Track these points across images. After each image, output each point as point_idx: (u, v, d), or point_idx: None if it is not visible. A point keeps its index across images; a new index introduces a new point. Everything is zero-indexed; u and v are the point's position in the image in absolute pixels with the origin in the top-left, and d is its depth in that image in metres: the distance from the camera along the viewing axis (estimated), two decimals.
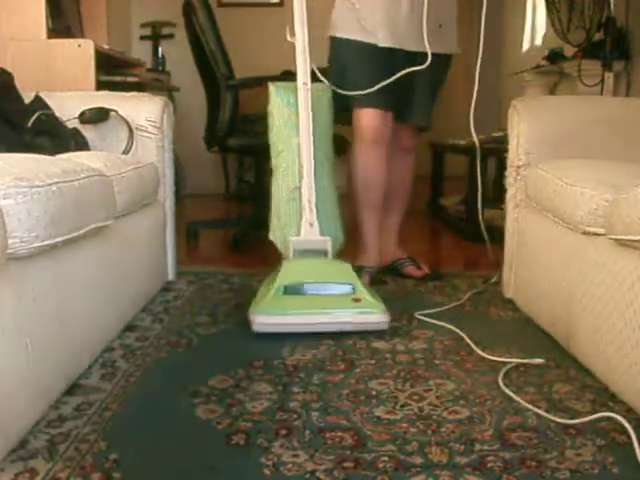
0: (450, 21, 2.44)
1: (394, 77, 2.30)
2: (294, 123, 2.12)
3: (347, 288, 1.93)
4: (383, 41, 2.36)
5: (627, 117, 2.22)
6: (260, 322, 1.86)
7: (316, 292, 1.92)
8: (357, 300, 1.90)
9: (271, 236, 2.17)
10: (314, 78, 2.18)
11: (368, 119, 2.39)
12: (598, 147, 2.09)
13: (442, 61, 2.43)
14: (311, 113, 2.08)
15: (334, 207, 2.18)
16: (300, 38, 2.06)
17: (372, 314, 1.89)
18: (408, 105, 2.48)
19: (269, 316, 1.87)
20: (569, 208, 1.70)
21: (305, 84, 2.06)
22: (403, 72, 2.30)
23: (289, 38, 2.08)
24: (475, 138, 2.34)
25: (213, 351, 1.81)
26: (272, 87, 2.17)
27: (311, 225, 2.08)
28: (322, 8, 2.37)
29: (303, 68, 2.05)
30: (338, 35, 2.44)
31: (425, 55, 2.29)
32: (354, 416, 1.39)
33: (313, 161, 2.08)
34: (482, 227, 2.40)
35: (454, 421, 1.37)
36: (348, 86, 2.34)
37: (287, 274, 1.96)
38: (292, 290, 1.91)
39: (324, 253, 2.06)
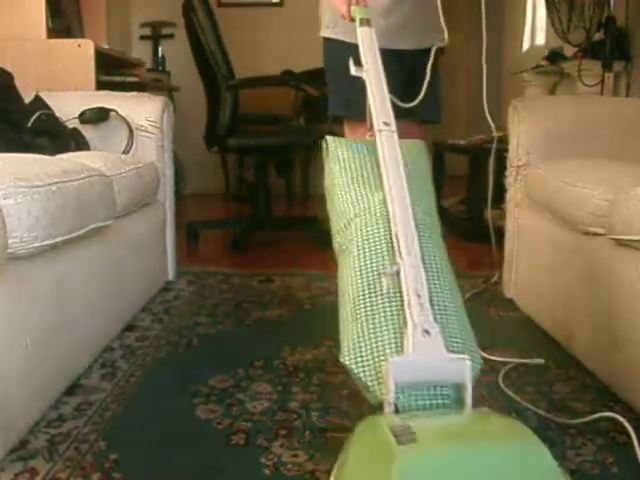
0: (431, 13, 2.42)
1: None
2: (371, 176, 1.36)
3: None
4: (386, 44, 2.36)
5: (627, 117, 2.22)
6: None
7: None
8: None
9: (345, 356, 1.14)
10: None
11: (352, 133, 2.34)
12: (598, 147, 2.09)
13: (425, 54, 2.41)
14: (401, 158, 1.33)
15: (458, 304, 1.23)
16: (373, 70, 1.52)
17: None
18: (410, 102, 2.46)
19: None
20: (569, 208, 1.70)
21: (387, 124, 1.39)
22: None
23: (354, 72, 1.53)
24: (494, 131, 2.29)
25: (213, 351, 1.80)
26: (330, 137, 1.45)
27: (427, 333, 1.08)
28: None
29: (382, 105, 1.43)
30: (333, 36, 2.43)
31: (413, 52, 2.32)
32: (354, 416, 1.39)
33: (414, 229, 1.22)
34: (490, 226, 2.37)
35: None
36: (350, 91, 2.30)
37: (402, 477, 0.81)
38: None
39: (454, 389, 1.04)
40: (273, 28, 5.35)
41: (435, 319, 1.11)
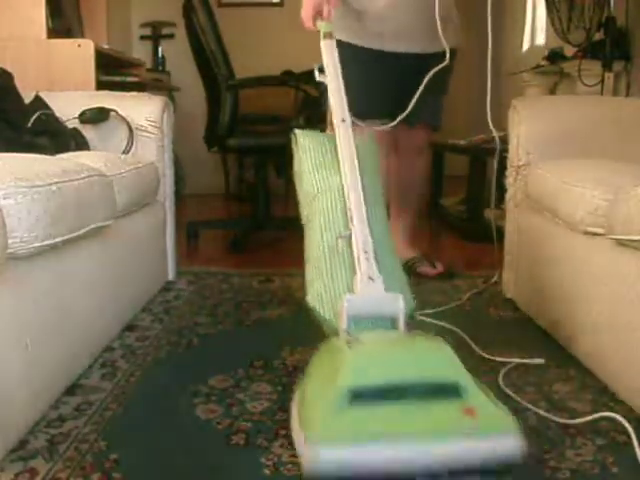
0: (446, 17, 2.43)
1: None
2: (330, 162, 1.67)
3: (450, 390, 1.14)
4: (380, 45, 2.38)
5: (627, 117, 2.22)
6: (327, 459, 1.06)
7: (401, 399, 1.12)
8: (470, 412, 1.12)
9: (310, 300, 1.48)
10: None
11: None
12: (598, 147, 2.09)
13: (438, 58, 2.42)
14: (354, 148, 1.65)
15: (394, 259, 1.58)
16: (333, 76, 1.79)
17: (498, 438, 1.09)
18: (415, 106, 2.47)
19: (337, 446, 1.06)
20: (569, 208, 1.70)
21: (344, 120, 1.70)
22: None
23: (318, 78, 1.80)
24: (495, 133, 2.29)
25: (213, 351, 1.80)
26: (298, 131, 1.77)
27: (371, 279, 1.41)
28: None
29: (340, 105, 1.74)
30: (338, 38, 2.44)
31: (411, 56, 2.32)
32: None
33: (363, 203, 1.55)
34: (493, 226, 2.37)
35: None
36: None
37: (351, 367, 1.18)
38: (364, 397, 1.11)
39: (391, 321, 1.37)
40: (273, 28, 5.35)
41: (378, 270, 1.43)
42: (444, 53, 2.25)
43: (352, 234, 1.50)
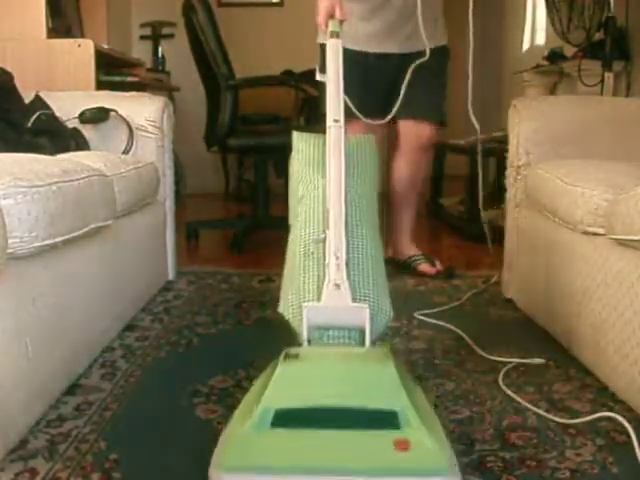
0: (431, 16, 2.43)
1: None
2: (321, 165, 1.61)
3: (387, 418, 1.01)
4: (367, 47, 2.41)
5: (627, 117, 2.22)
6: None
7: (329, 425, 1.00)
8: (402, 446, 0.98)
9: (280, 308, 1.40)
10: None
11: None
12: (598, 147, 2.09)
13: (432, 55, 2.42)
14: (343, 151, 1.56)
15: (378, 267, 1.45)
16: (333, 76, 1.74)
17: (430, 475, 0.95)
18: (418, 104, 2.49)
19: (240, 473, 0.97)
20: (569, 208, 1.70)
21: (337, 121, 1.63)
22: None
23: (318, 77, 1.79)
24: (477, 129, 2.31)
25: (213, 351, 1.80)
26: (295, 134, 1.76)
27: (337, 287, 1.32)
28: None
29: (335, 105, 1.67)
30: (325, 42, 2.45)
31: (397, 55, 2.36)
32: None
33: (344, 207, 1.45)
34: (485, 226, 2.38)
35: (454, 421, 1.37)
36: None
37: (281, 384, 1.08)
38: (286, 420, 1.01)
39: (358, 333, 1.29)
40: (273, 28, 5.35)
41: (348, 276, 1.33)
42: (433, 51, 2.28)
43: (326, 238, 1.41)
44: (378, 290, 1.38)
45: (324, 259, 1.37)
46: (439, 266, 2.62)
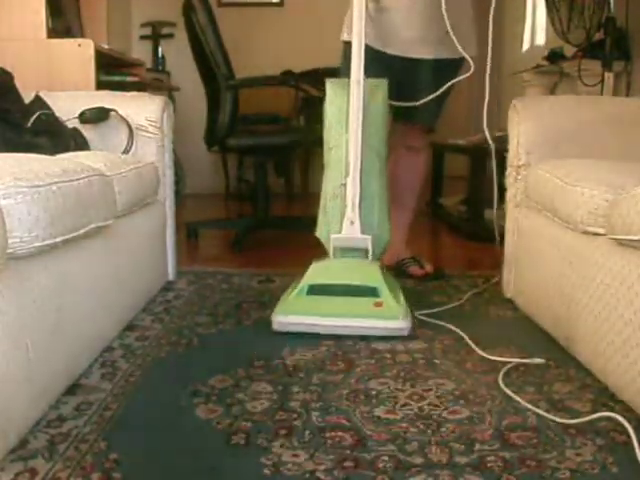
0: (461, 25, 2.42)
1: (440, 90, 2.34)
2: (346, 118, 2.07)
3: (371, 291, 1.90)
4: (389, 49, 2.39)
5: (627, 117, 2.22)
6: (279, 321, 1.91)
7: (339, 294, 1.91)
8: (378, 305, 1.88)
9: (317, 232, 2.11)
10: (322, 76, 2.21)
11: None
12: (598, 147, 2.09)
13: (447, 65, 2.43)
14: (361, 110, 2.04)
15: (382, 206, 2.11)
16: (357, 37, 2.04)
17: (391, 320, 1.87)
18: (414, 107, 2.48)
19: (289, 315, 1.90)
20: (569, 208, 1.70)
21: (358, 81, 2.02)
22: (447, 84, 2.34)
23: (345, 37, 2.09)
24: (488, 135, 2.31)
25: (213, 351, 1.81)
26: (328, 82, 2.14)
27: (352, 223, 2.03)
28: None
29: (357, 65, 2.02)
30: (348, 39, 2.45)
31: (425, 61, 2.34)
32: (354, 416, 1.39)
33: (360, 159, 2.03)
34: (496, 227, 2.37)
35: (454, 421, 1.37)
36: None
37: (313, 274, 1.96)
38: (316, 290, 1.92)
39: (366, 252, 2.03)
40: (273, 28, 5.35)
41: (360, 215, 2.04)
42: (451, 60, 2.28)
43: (346, 184, 2.04)
44: (381, 223, 2.09)
45: (344, 201, 2.05)
46: (428, 268, 2.61)
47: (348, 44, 2.40)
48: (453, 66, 2.46)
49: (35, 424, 1.32)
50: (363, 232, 2.03)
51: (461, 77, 2.31)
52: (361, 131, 2.02)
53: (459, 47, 2.22)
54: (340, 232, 2.04)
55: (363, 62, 2.02)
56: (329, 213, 2.09)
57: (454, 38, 2.22)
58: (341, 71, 2.42)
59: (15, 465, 1.18)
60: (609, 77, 3.27)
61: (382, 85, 2.14)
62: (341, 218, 2.05)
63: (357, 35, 2.03)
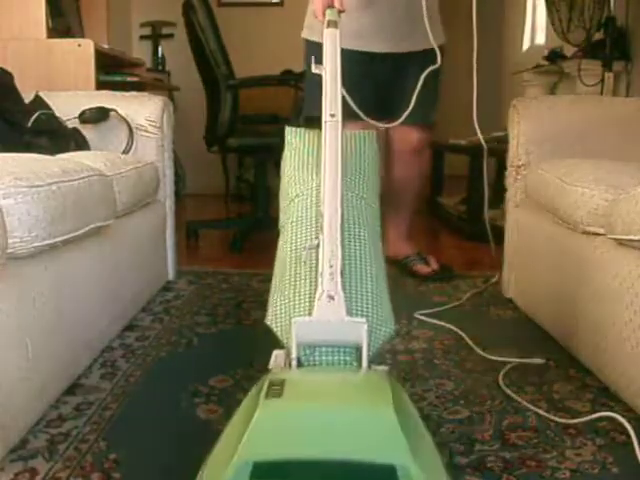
0: (428, 15, 2.40)
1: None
2: (316, 163, 1.48)
3: (384, 474, 0.79)
4: (375, 47, 2.39)
5: (627, 117, 2.22)
6: None
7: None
8: None
9: (268, 318, 1.31)
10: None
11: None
12: (598, 147, 2.09)
13: (430, 56, 2.40)
14: (340, 150, 1.35)
15: (377, 275, 1.31)
16: (330, 68, 1.59)
17: None
18: (400, 106, 2.48)
19: None
20: (569, 208, 1.70)
21: (333, 116, 1.44)
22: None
23: (314, 70, 1.62)
24: (480, 136, 2.30)
25: (213, 351, 1.80)
26: (288, 128, 1.62)
27: (331, 299, 1.17)
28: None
29: (332, 99, 1.50)
30: (309, 38, 2.43)
31: (389, 55, 2.33)
32: None
33: (339, 209, 1.27)
34: (487, 227, 2.37)
35: (454, 421, 1.37)
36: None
37: (256, 431, 0.84)
38: (266, 475, 0.81)
39: (354, 350, 1.12)
40: (273, 28, 5.34)
41: (344, 287, 1.16)
42: (424, 51, 2.26)
43: (320, 244, 1.24)
44: (378, 302, 1.25)
45: (317, 267, 1.21)
46: (434, 265, 2.60)
47: (312, 44, 2.36)
48: (433, 55, 2.44)
49: (35, 424, 1.32)
50: (350, 313, 1.17)
51: (432, 67, 2.24)
52: (341, 175, 1.31)
53: (431, 38, 2.18)
54: (310, 314, 1.18)
55: (339, 97, 1.48)
56: (290, 288, 1.29)
57: (428, 29, 2.17)
58: (306, 76, 2.34)
59: (15, 465, 1.18)
60: (609, 77, 3.28)
61: (370, 136, 1.62)
62: (310, 294, 1.23)
63: (331, 67, 1.57)
